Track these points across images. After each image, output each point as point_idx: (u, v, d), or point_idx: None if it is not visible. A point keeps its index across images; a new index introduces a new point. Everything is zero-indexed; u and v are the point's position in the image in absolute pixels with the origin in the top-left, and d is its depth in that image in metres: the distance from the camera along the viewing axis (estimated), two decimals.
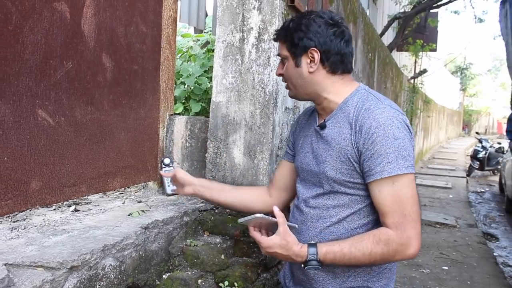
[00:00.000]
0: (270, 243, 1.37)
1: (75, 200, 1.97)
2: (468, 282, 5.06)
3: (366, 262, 1.35)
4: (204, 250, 2.02)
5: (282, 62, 1.54)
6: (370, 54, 5.22)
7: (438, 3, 9.15)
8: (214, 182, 2.05)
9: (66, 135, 1.77)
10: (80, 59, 1.82)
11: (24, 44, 1.56)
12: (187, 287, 1.88)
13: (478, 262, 5.75)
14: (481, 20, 10.46)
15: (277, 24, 2.17)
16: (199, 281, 1.96)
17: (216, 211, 2.28)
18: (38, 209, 1.79)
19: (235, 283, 2.05)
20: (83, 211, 2.05)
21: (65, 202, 1.91)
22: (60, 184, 1.75)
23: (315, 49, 1.44)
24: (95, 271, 1.53)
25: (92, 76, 1.89)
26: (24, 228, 1.73)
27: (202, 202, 2.34)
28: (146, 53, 2.25)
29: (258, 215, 1.37)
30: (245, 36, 2.22)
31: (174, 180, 1.94)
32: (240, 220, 1.42)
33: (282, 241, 1.36)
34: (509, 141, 7.17)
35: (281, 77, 1.58)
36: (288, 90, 1.59)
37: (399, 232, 1.31)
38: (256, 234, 1.41)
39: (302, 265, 1.37)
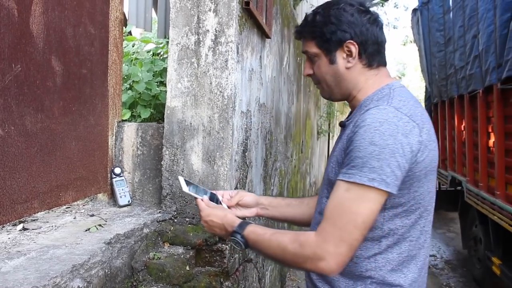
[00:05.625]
0: (209, 211, 1.43)
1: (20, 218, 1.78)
2: None
3: (279, 256, 1.26)
4: (169, 262, 1.93)
5: (311, 60, 1.37)
6: (298, 58, 5.33)
7: None
8: (275, 198, 1.70)
9: (16, 146, 1.59)
10: (29, 62, 1.65)
11: None
12: None
13: None
14: (394, 27, 11.25)
15: (234, 26, 2.13)
16: None
17: (175, 220, 2.19)
18: None
19: None
20: (32, 229, 1.86)
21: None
22: (11, 201, 1.57)
23: (352, 41, 1.29)
24: None
25: (41, 80, 1.72)
26: None
27: (160, 212, 2.23)
28: (94, 56, 2.10)
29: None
30: (201, 39, 2.16)
31: (241, 205, 1.60)
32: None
33: (220, 211, 1.43)
34: None
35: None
36: (320, 91, 1.40)
37: (319, 240, 1.17)
38: (200, 202, 1.47)
39: (229, 236, 1.37)
